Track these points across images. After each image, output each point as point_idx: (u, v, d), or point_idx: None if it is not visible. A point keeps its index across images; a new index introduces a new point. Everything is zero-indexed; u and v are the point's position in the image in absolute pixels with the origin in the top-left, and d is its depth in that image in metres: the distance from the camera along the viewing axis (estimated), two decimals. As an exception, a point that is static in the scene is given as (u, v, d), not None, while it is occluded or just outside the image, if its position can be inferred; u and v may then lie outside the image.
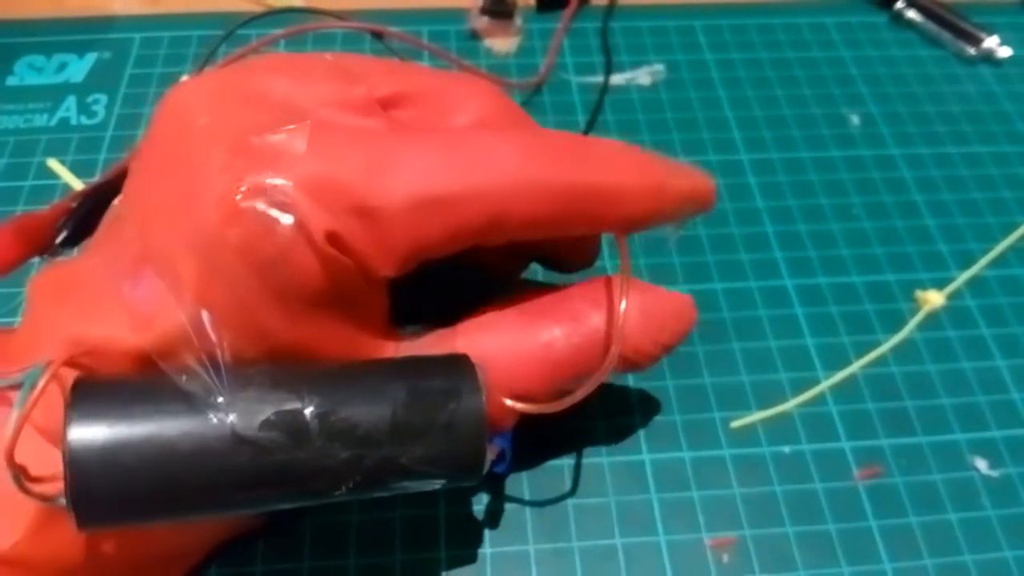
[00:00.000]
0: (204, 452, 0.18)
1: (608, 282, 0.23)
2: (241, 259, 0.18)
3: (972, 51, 0.40)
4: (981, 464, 0.27)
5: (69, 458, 0.17)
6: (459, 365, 0.21)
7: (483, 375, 0.20)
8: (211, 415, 0.18)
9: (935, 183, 0.35)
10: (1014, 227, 0.33)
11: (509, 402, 0.22)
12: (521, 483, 0.26)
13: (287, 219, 0.18)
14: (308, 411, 0.19)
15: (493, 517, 0.26)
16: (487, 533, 0.25)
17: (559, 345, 0.22)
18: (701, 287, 0.31)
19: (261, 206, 0.18)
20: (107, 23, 0.40)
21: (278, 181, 0.18)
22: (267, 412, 0.18)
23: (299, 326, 0.20)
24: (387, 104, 0.22)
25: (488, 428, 0.20)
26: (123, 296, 0.19)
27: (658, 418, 0.28)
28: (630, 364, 0.23)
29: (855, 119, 0.37)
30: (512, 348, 0.22)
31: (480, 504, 0.26)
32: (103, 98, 0.37)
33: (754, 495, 0.26)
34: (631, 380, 0.29)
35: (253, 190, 0.18)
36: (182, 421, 0.18)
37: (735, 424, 0.28)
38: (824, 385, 0.29)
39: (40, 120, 0.36)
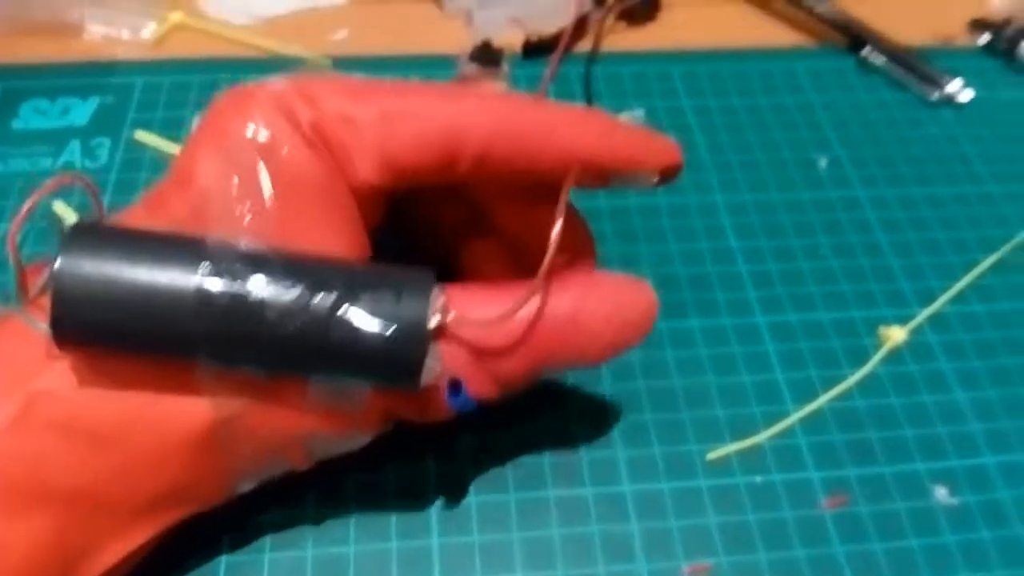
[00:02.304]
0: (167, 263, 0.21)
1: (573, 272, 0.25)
2: (252, 145, 0.22)
3: (935, 95, 0.42)
4: (941, 493, 0.29)
5: (55, 269, 0.20)
6: (421, 271, 0.23)
7: (443, 300, 0.22)
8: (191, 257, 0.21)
9: (899, 223, 0.37)
10: (974, 265, 0.35)
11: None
12: (509, 512, 0.28)
13: (275, 86, 0.23)
14: (273, 256, 0.21)
15: (481, 551, 0.27)
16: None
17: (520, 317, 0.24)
18: (679, 324, 0.33)
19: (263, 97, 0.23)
20: (109, 68, 0.41)
21: (278, 85, 0.23)
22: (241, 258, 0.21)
23: (293, 216, 0.22)
24: None
25: (429, 339, 0.22)
26: None
27: (639, 451, 0.29)
28: (586, 356, 0.24)
29: (823, 162, 0.39)
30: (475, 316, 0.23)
31: (470, 535, 0.27)
32: (106, 142, 0.38)
33: (729, 523, 0.28)
34: (613, 410, 0.30)
35: (260, 91, 0.23)
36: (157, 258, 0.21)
37: (711, 456, 0.29)
38: (793, 418, 0.30)
39: (45, 163, 0.37)
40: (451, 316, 0.22)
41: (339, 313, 0.21)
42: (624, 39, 0.45)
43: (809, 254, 0.35)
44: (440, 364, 0.22)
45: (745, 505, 0.28)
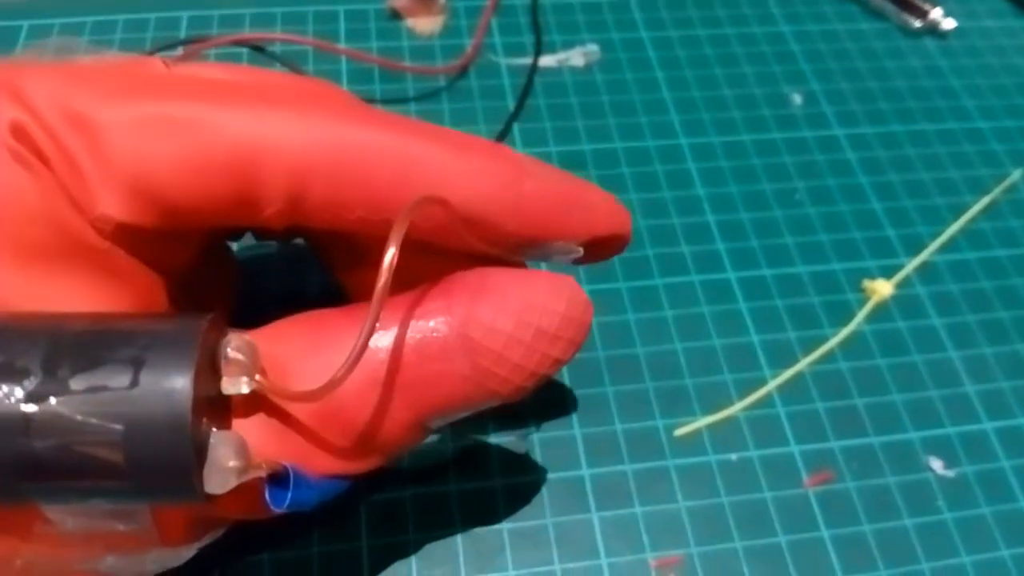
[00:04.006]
0: None
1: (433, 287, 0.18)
2: None
3: (917, 23, 0.39)
4: (936, 464, 0.26)
5: None
6: (188, 323, 0.15)
7: (244, 361, 0.16)
8: None
9: (880, 164, 0.33)
10: (963, 209, 0.32)
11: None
12: (451, 508, 0.24)
13: None
14: None
15: (418, 546, 0.23)
16: (413, 566, 0.23)
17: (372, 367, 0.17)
18: (641, 283, 0.29)
19: None
20: (-10, 9, 0.36)
21: None
22: None
23: (27, 282, 0.16)
24: None
25: (197, 430, 0.15)
26: None
27: (598, 429, 0.26)
28: (492, 392, 0.17)
29: (797, 98, 0.35)
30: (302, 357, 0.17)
31: (404, 535, 0.24)
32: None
33: (700, 508, 0.25)
34: (568, 384, 0.27)
35: None
36: None
37: (679, 432, 0.26)
38: (771, 385, 0.27)
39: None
40: (254, 384, 0.16)
41: (39, 409, 0.14)
42: (576, -34, 0.40)
43: (784, 201, 0.32)
44: (242, 455, 0.15)
45: (718, 486, 0.25)
